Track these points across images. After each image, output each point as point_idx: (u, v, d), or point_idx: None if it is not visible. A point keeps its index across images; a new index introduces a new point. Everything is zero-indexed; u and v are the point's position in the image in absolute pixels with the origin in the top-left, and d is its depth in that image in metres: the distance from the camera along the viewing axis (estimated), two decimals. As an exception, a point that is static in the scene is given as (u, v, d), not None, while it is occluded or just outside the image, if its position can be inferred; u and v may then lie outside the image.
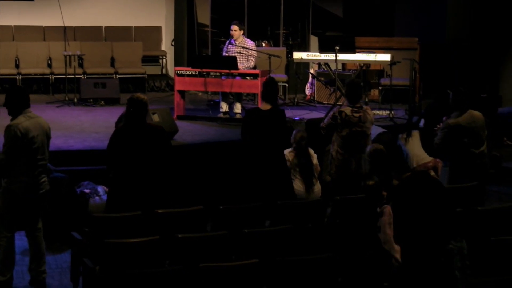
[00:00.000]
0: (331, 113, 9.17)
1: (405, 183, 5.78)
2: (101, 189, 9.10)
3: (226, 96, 12.53)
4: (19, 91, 7.54)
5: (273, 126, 8.69)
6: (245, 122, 8.93)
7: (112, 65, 15.25)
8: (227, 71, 11.99)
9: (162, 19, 16.53)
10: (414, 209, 5.46)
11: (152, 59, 16.34)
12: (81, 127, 11.61)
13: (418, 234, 5.39)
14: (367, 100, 13.90)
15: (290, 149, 9.03)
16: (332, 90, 13.40)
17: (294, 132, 9.18)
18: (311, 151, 9.22)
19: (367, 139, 9.00)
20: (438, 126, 9.42)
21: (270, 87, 8.89)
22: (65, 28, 13.83)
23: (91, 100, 13.64)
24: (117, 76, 14.76)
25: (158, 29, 16.51)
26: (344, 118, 8.85)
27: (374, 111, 11.27)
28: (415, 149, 9.86)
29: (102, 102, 13.63)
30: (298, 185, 8.94)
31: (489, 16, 14.74)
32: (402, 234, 5.70)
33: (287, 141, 9.04)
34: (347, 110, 8.89)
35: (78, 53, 14.13)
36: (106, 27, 16.10)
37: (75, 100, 13.54)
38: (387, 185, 7.60)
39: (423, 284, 5.35)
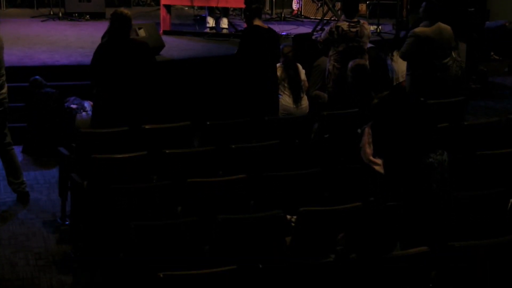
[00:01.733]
0: (328, 27, 9.11)
1: (384, 100, 5.81)
2: (87, 104, 9.08)
3: (212, 11, 12.41)
4: None
5: (271, 45, 8.64)
6: (245, 38, 8.79)
7: (97, -22, 15.02)
8: (213, -15, 11.85)
9: None
10: (391, 125, 5.50)
11: (138, -28, 16.11)
12: (67, 42, 11.51)
13: (395, 149, 5.45)
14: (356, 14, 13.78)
15: (278, 64, 9.00)
16: (319, 4, 13.28)
17: (282, 46, 9.14)
18: (299, 66, 9.20)
19: (363, 53, 8.98)
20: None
21: (257, 2, 8.84)
22: None
23: (76, 14, 13.50)
24: (102, -10, 14.57)
25: None
26: (341, 33, 8.81)
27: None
28: (400, 65, 9.84)
29: (87, 16, 13.50)
30: (286, 100, 8.95)
31: None
32: (381, 150, 5.77)
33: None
34: (344, 25, 8.84)
35: (63, -35, 13.92)
36: None
37: (60, 15, 13.40)
38: (368, 103, 7.61)
39: (402, 196, 5.44)
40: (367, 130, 6.48)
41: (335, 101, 8.75)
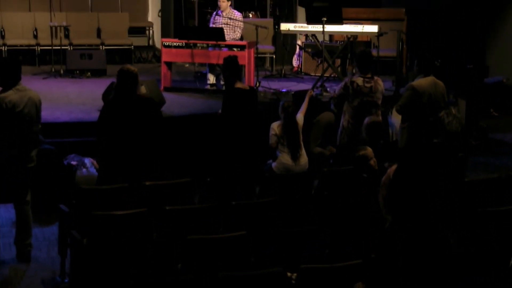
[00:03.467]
0: (343, 83, 9.18)
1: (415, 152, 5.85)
2: (88, 161, 9.09)
3: (213, 68, 12.49)
4: (10, 63, 7.49)
5: (252, 104, 8.81)
6: (226, 100, 8.98)
7: (99, 36, 15.16)
8: (214, 42, 11.94)
9: (148, -11, 16.45)
10: (410, 189, 5.51)
11: (139, 30, 16.25)
12: (68, 99, 11.56)
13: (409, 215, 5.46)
14: (354, 71, 13.87)
15: (278, 122, 9.05)
16: (319, 61, 13.37)
17: (281, 102, 9.20)
18: (299, 117, 9.21)
19: (378, 108, 9.04)
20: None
21: (236, 64, 9.03)
22: (50, -2, 13.76)
23: (77, 71, 13.57)
24: (104, 47, 14.69)
25: (144, 0, 16.41)
26: (355, 88, 8.89)
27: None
28: (400, 120, 9.88)
29: (89, 73, 13.57)
30: (284, 157, 8.96)
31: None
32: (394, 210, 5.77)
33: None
34: (359, 80, 8.92)
35: (64, 24, 14.03)
36: (93, -2, 16.02)
37: (61, 72, 13.48)
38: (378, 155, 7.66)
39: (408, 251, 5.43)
40: (389, 171, 6.51)
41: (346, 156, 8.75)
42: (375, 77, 9.09)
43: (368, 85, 8.91)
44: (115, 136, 7.51)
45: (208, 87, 12.46)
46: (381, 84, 9.14)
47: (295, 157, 8.99)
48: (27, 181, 7.51)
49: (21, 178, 7.42)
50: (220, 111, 9.37)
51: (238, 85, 8.99)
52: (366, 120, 8.43)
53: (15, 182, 7.42)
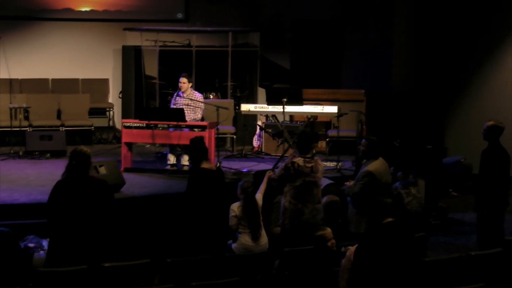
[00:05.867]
0: (283, 164, 9.19)
1: (376, 234, 5.84)
2: (46, 243, 8.95)
3: (174, 148, 12.50)
4: None
5: (218, 185, 8.83)
6: (192, 180, 8.98)
7: (59, 117, 15.15)
8: (174, 123, 11.97)
9: (109, 71, 16.51)
10: (378, 259, 5.49)
11: (99, 111, 16.27)
12: (27, 180, 11.47)
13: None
14: (314, 151, 13.94)
15: (237, 203, 9.03)
16: (279, 142, 13.45)
17: (240, 183, 9.19)
18: (258, 197, 9.20)
19: (318, 188, 9.05)
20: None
21: (202, 144, 9.05)
22: (10, 80, 13.74)
23: (37, 152, 13.50)
24: (64, 128, 14.66)
25: (105, 81, 16.47)
26: (297, 168, 8.88)
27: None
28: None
29: (48, 154, 13.50)
30: (245, 238, 8.91)
31: (435, 68, 15.00)
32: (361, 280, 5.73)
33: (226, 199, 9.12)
34: (300, 160, 8.93)
35: (24, 105, 14.03)
36: (53, 79, 16.02)
37: (21, 153, 13.39)
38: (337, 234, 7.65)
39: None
40: (349, 253, 6.48)
41: (290, 238, 8.73)
42: (315, 157, 9.13)
43: (309, 165, 8.93)
44: (64, 216, 7.42)
45: (169, 167, 12.44)
46: (321, 164, 9.17)
47: (255, 237, 8.95)
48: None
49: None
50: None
51: (205, 165, 8.98)
52: (325, 199, 8.44)
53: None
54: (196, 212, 8.83)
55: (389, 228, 6.55)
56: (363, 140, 9.47)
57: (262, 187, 9.36)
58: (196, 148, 9.13)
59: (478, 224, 9.60)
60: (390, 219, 6.57)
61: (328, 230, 7.58)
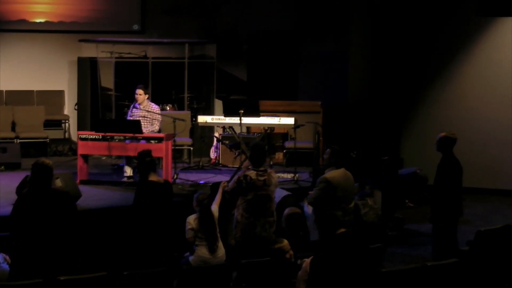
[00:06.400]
0: (236, 177, 9.17)
1: (331, 242, 5.84)
2: (1, 257, 8.83)
3: (130, 160, 12.42)
4: None
5: (165, 198, 8.84)
6: (138, 193, 8.94)
7: (13, 129, 15.00)
8: (131, 135, 11.91)
9: (65, 83, 16.39)
10: (334, 268, 5.49)
11: (55, 123, 16.13)
12: (-19, 193, 11.32)
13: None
14: (271, 163, 13.99)
15: (194, 215, 9.00)
16: (236, 153, 13.44)
17: (195, 195, 9.16)
18: (214, 209, 9.17)
19: (271, 202, 9.04)
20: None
21: (150, 157, 9.02)
22: (-36, 92, 13.61)
23: (-9, 165, 13.36)
24: (18, 140, 14.52)
25: (60, 93, 16.34)
26: (249, 182, 8.86)
27: (278, 174, 11.35)
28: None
29: (2, 167, 13.35)
30: (202, 250, 8.88)
31: (390, 80, 15.12)
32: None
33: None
34: (252, 173, 8.91)
35: (-22, 117, 13.88)
36: (7, 91, 15.87)
37: (-26, 166, 13.25)
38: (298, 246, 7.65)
39: None
40: (305, 265, 6.48)
41: (242, 251, 8.72)
42: (269, 170, 9.13)
43: (261, 178, 8.92)
44: (28, 230, 7.35)
45: (125, 179, 12.36)
46: (275, 177, 9.16)
47: (212, 249, 8.92)
48: None
49: None
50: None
51: (152, 178, 8.95)
52: (286, 211, 8.45)
53: None
54: (143, 225, 8.77)
55: (342, 238, 6.56)
56: (327, 149, 9.51)
57: (218, 198, 9.33)
58: (144, 161, 9.08)
59: (434, 234, 9.66)
60: (343, 230, 6.59)
61: (285, 242, 7.57)
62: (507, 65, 14.57)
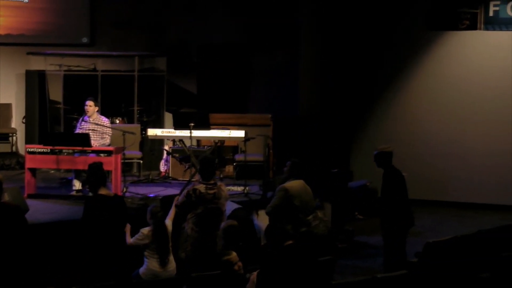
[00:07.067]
0: (185, 191, 9.15)
1: (276, 257, 5.84)
2: None
3: (79, 174, 12.30)
4: None
5: (116, 213, 8.76)
6: (88, 208, 8.83)
7: (-42, 143, 14.82)
8: (80, 148, 11.81)
9: (12, 96, 16.19)
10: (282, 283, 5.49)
11: (2, 137, 15.93)
12: None
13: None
14: (221, 176, 13.96)
15: (147, 228, 8.94)
16: (187, 166, 13.40)
17: (149, 208, 9.11)
18: (168, 223, 9.13)
19: (222, 215, 9.01)
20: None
21: (100, 171, 8.93)
22: None
23: None
24: (-36, 154, 14.33)
25: (8, 106, 16.14)
26: (198, 195, 8.84)
27: (229, 187, 11.34)
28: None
29: None
30: (152, 264, 8.82)
31: (341, 92, 15.23)
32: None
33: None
34: (201, 187, 8.89)
35: None
36: (-47, 104, 15.68)
37: None
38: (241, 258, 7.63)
39: None
40: (252, 277, 6.47)
41: (193, 265, 8.69)
42: (218, 183, 9.13)
43: (211, 191, 8.92)
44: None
45: (74, 193, 12.24)
46: (225, 190, 9.17)
47: (163, 263, 8.87)
48: None
49: None
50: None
51: (103, 191, 8.86)
52: (223, 224, 8.42)
53: None
54: (93, 239, 8.67)
55: (289, 251, 6.58)
56: (288, 162, 9.57)
57: (171, 213, 9.29)
58: (94, 174, 8.98)
59: (385, 247, 9.72)
60: (290, 242, 6.58)
61: (234, 254, 7.55)
62: (454, 79, 14.79)
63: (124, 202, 9.20)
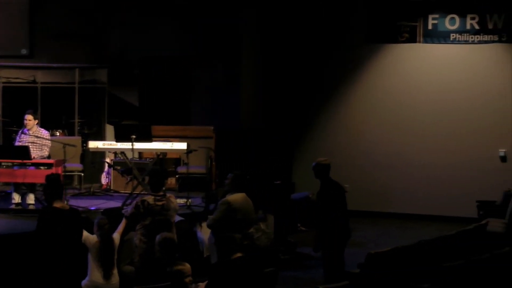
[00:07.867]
0: (134, 202, 9.11)
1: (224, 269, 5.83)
2: None
3: (18, 187, 12.12)
4: None
5: (70, 226, 8.63)
6: (42, 220, 8.70)
7: None
8: (19, 161, 11.65)
9: (-51, 109, 15.94)
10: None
11: None
12: None
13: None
14: (164, 188, 13.87)
15: (94, 236, 8.87)
16: (129, 178, 13.31)
17: (96, 220, 9.04)
18: (116, 236, 9.06)
19: (171, 227, 8.99)
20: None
21: (58, 182, 8.82)
22: None
23: None
24: None
25: None
26: (147, 206, 8.81)
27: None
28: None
29: None
30: (95, 275, 8.74)
31: (282, 105, 15.30)
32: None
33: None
34: (150, 198, 8.87)
35: None
36: None
37: None
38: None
39: None
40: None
41: (142, 275, 8.65)
42: (168, 195, 9.13)
43: (159, 203, 8.92)
44: None
45: (13, 206, 12.05)
46: (174, 202, 9.17)
47: (107, 275, 8.80)
48: None
49: None
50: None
51: (57, 204, 8.73)
52: (158, 237, 8.37)
53: None
54: (48, 252, 8.54)
55: (237, 263, 6.57)
56: (229, 174, 9.59)
57: (121, 226, 9.24)
58: (51, 186, 8.84)
59: (324, 259, 9.76)
60: (239, 254, 6.57)
61: (187, 265, 7.50)
62: (394, 91, 14.97)
63: (79, 216, 9.07)
